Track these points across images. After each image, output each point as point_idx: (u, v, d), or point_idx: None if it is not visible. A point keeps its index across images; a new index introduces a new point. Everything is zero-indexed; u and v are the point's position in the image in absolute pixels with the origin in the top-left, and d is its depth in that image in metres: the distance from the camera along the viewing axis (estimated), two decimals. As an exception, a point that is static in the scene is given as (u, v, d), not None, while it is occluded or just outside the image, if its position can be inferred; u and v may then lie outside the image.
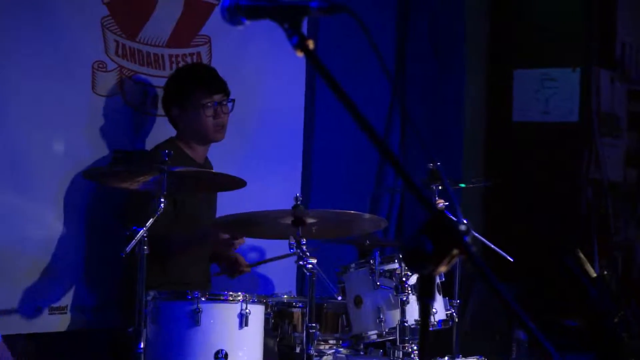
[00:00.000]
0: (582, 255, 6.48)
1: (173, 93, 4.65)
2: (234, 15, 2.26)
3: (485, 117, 7.26)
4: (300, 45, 2.16)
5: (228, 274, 4.88)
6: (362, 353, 4.40)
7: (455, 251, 2.02)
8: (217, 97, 4.63)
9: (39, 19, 4.49)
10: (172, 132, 4.70)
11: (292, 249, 3.90)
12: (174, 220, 4.45)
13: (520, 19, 7.19)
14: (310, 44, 2.17)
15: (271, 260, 4.99)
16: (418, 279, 2.08)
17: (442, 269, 1.99)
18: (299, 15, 2.20)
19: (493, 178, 6.83)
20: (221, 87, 4.65)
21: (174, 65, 4.89)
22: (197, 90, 4.62)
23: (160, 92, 4.78)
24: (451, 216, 4.19)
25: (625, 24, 7.39)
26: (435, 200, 4.44)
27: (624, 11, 7.37)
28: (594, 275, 6.41)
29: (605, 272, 6.63)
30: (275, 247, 4.86)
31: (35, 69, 4.39)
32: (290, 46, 2.14)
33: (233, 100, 4.65)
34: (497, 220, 6.93)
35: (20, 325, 4.35)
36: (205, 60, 5.11)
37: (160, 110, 4.78)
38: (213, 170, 4.35)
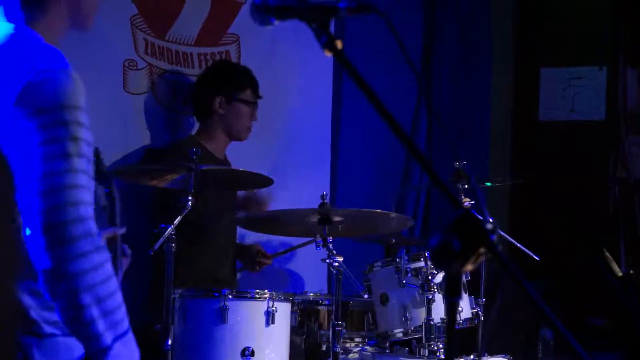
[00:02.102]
0: (608, 255, 6.46)
1: (224, 81, 4.68)
2: (263, 16, 2.28)
3: (512, 115, 7.25)
4: (329, 45, 2.17)
5: (249, 268, 4.89)
6: (387, 351, 4.42)
7: (482, 250, 2.03)
8: (256, 101, 4.70)
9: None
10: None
11: (319, 248, 3.92)
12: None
13: (546, 18, 7.18)
14: (339, 44, 2.18)
15: (292, 249, 4.98)
16: (445, 277, 2.08)
17: (469, 267, 2.00)
18: (327, 16, 2.21)
19: (519, 177, 6.83)
20: (259, 93, 4.73)
21: (203, 64, 4.91)
22: (248, 87, 4.68)
23: (189, 90, 4.81)
24: (478, 215, 4.21)
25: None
26: (462, 199, 4.45)
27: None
28: (620, 274, 6.39)
29: (632, 272, 6.61)
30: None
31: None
32: (318, 46, 2.15)
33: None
34: (523, 219, 6.92)
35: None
36: (234, 59, 5.13)
37: (191, 109, 4.81)
38: (240, 169, 4.36)
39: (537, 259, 4.78)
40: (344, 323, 4.03)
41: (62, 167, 2.36)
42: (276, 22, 2.29)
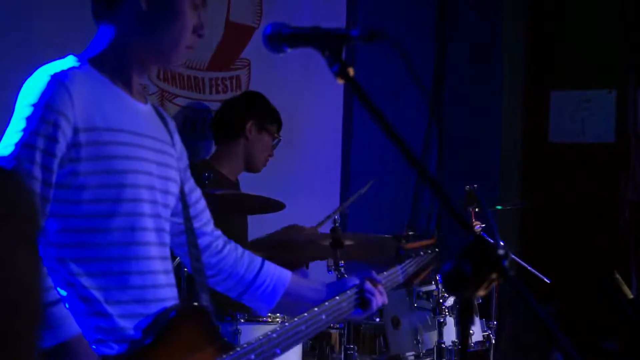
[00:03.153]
0: (619, 277, 6.46)
1: (258, 107, 4.74)
2: (276, 44, 2.30)
3: (522, 138, 7.26)
4: (341, 73, 2.19)
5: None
6: (400, 374, 4.45)
7: (494, 275, 2.04)
8: (279, 138, 4.76)
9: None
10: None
11: (331, 271, 3.94)
12: None
13: (557, 41, 7.19)
14: (351, 72, 2.20)
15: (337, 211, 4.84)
16: (458, 302, 2.10)
17: (481, 292, 2.02)
18: (340, 43, 2.23)
19: (529, 199, 6.84)
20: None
21: (214, 89, 4.94)
22: (276, 122, 4.74)
23: (201, 116, 4.84)
24: (489, 239, 4.22)
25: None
26: (473, 223, 4.46)
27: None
28: (631, 296, 6.39)
29: (644, 294, 6.61)
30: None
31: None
32: (329, 71, 2.17)
33: None
34: (534, 242, 6.91)
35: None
36: (244, 84, 5.14)
37: (199, 134, 4.84)
38: (253, 194, 4.37)
39: (548, 281, 4.79)
40: (355, 346, 4.04)
41: None
42: (289, 50, 2.32)
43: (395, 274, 3.20)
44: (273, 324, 3.93)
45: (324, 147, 5.58)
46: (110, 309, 2.48)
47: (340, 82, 2.20)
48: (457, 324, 4.20)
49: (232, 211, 4.50)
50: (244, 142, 4.71)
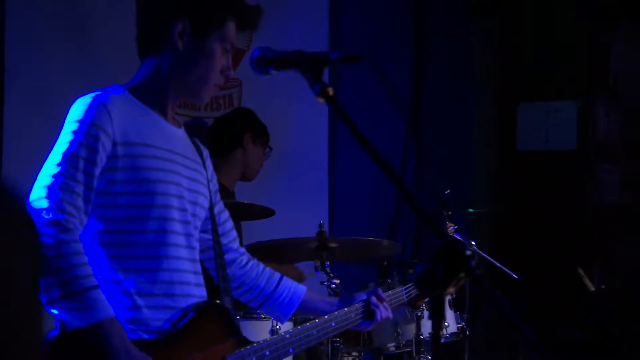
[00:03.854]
0: (582, 272, 6.48)
1: (254, 122, 4.74)
2: (262, 66, 2.31)
3: (492, 147, 7.27)
4: (322, 92, 2.20)
5: None
6: (382, 364, 4.45)
7: (462, 275, 2.06)
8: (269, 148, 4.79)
9: (82, 73, 4.57)
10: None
11: (318, 272, 3.94)
12: None
13: (523, 60, 7.21)
14: (330, 91, 2.21)
15: None
16: (430, 299, 2.11)
17: (451, 290, 2.04)
18: (320, 65, 2.25)
19: (500, 204, 6.85)
20: None
21: (209, 107, 4.94)
22: (267, 135, 4.75)
23: (199, 128, 4.84)
24: (460, 238, 4.24)
25: (619, 57, 7.41)
26: (446, 225, 4.47)
27: (619, 42, 7.39)
28: (593, 289, 6.40)
29: (604, 287, 6.62)
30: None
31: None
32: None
33: None
34: (504, 241, 6.90)
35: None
36: (236, 101, 5.15)
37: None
38: (246, 202, 4.39)
39: (516, 277, 4.79)
40: (341, 339, 4.04)
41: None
42: (274, 72, 2.33)
43: (399, 293, 3.29)
44: (266, 320, 3.95)
45: (310, 158, 5.58)
46: (140, 300, 2.58)
47: (321, 100, 2.21)
48: (430, 318, 4.20)
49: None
50: (241, 153, 4.72)
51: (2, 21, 4.41)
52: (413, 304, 3.72)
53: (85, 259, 2.45)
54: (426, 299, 3.51)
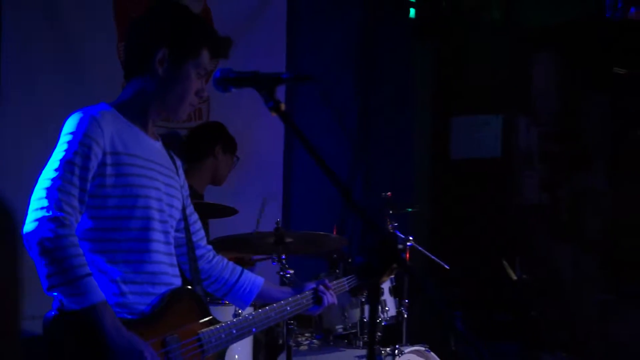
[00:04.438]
0: (506, 263, 6.52)
1: (224, 135, 4.73)
2: (223, 85, 2.34)
3: (430, 155, 7.31)
4: (274, 108, 2.23)
5: None
6: (331, 343, 4.44)
7: (394, 265, 2.08)
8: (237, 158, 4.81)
9: (71, 94, 4.54)
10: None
11: (274, 263, 3.95)
12: None
13: (456, 81, 7.26)
14: (282, 107, 2.23)
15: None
16: (367, 287, 2.14)
17: (385, 279, 2.07)
18: (273, 84, 2.27)
19: (436, 204, 6.88)
20: None
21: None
22: (235, 146, 4.74)
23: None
24: (399, 234, 4.24)
25: (538, 79, 7.48)
26: (387, 222, 4.48)
27: (538, 66, 7.46)
28: (515, 278, 6.44)
29: (525, 277, 6.66)
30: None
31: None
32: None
33: None
34: (440, 237, 6.95)
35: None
36: (204, 114, 5.13)
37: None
38: (213, 202, 4.39)
39: (448, 267, 4.80)
40: (295, 322, 4.05)
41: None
42: (234, 90, 2.35)
43: (342, 283, 3.31)
44: (229, 306, 3.95)
45: (269, 164, 5.57)
46: (125, 288, 2.60)
47: (274, 114, 2.24)
48: (367, 303, 4.21)
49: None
50: (213, 161, 4.70)
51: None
52: (354, 292, 3.79)
53: (81, 251, 2.47)
54: (365, 288, 3.56)
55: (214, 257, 3.07)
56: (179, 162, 2.97)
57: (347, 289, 3.34)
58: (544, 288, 7.31)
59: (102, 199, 2.60)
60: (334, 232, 4.78)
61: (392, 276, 4.31)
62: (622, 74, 7.66)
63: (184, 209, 2.90)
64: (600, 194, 8.05)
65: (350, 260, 4.28)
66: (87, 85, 4.60)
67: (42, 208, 2.46)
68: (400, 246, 2.08)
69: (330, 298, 3.11)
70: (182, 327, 2.68)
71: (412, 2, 6.16)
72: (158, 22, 2.77)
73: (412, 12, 6.27)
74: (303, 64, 5.75)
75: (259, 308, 4.08)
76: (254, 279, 3.10)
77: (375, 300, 2.13)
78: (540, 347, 6.07)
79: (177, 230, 2.87)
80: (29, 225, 2.44)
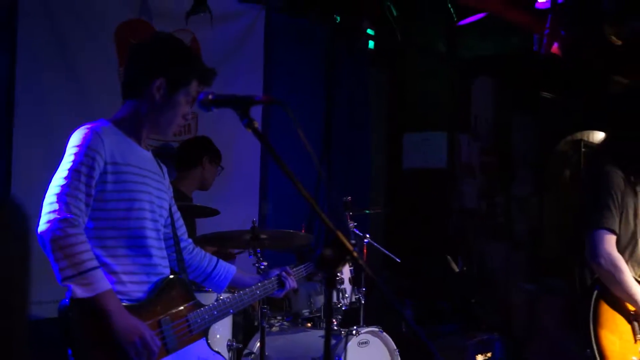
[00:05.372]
0: (449, 258, 6.58)
1: (211, 148, 4.71)
2: (206, 105, 2.37)
3: (385, 166, 7.34)
4: (248, 125, 2.26)
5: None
6: (299, 325, 4.44)
7: (347, 258, 2.12)
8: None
9: (76, 111, 4.55)
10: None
11: (250, 256, 3.95)
12: None
13: (407, 101, 7.31)
14: (255, 124, 2.27)
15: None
16: (324, 276, 2.16)
17: (340, 268, 2.10)
18: (247, 105, 2.30)
19: (390, 207, 6.91)
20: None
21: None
22: (220, 157, 4.73)
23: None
24: (357, 232, 4.24)
25: (477, 102, 7.55)
26: (348, 222, 4.49)
27: (476, 92, 7.53)
28: (457, 271, 6.51)
29: (465, 269, 6.73)
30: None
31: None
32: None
33: None
34: (393, 235, 6.98)
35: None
36: (193, 129, 5.12)
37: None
38: (199, 204, 4.39)
39: (399, 261, 4.83)
40: (268, 307, 4.04)
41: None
42: (215, 110, 2.38)
43: (300, 270, 3.38)
44: (212, 293, 3.95)
45: (247, 172, 5.54)
46: (125, 277, 2.62)
47: (248, 130, 2.27)
48: (325, 291, 4.20)
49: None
50: (200, 170, 4.69)
51: (12, 67, 4.37)
52: (309, 277, 3.95)
53: (89, 246, 2.48)
54: (319, 273, 3.60)
55: (193, 249, 3.09)
56: (164, 169, 2.98)
57: (305, 274, 3.39)
58: (481, 279, 7.38)
59: (103, 203, 2.60)
60: (302, 231, 4.77)
61: (350, 268, 4.35)
62: (547, 98, 7.78)
63: (170, 209, 2.91)
64: (527, 200, 8.17)
65: (313, 253, 4.30)
66: (90, 102, 4.58)
67: (53, 211, 2.47)
68: (352, 242, 2.12)
69: (291, 282, 3.15)
70: (173, 310, 2.70)
71: (371, 35, 6.19)
72: (157, 53, 2.77)
73: (371, 43, 6.30)
74: (278, 87, 5.77)
75: (234, 293, 4.13)
76: (228, 267, 3.13)
77: (331, 285, 2.17)
78: (477, 328, 6.12)
79: (164, 226, 2.88)
80: (42, 226, 2.45)
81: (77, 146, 2.57)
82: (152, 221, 2.73)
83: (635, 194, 3.22)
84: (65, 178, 2.53)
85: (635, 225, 3.19)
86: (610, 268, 3.04)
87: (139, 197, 2.68)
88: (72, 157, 2.56)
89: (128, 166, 2.67)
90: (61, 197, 2.49)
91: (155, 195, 2.77)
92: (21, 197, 3.99)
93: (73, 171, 2.53)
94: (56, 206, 2.47)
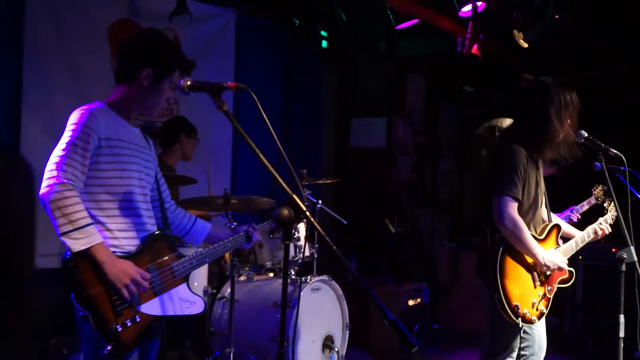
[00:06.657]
0: (387, 220, 6.64)
1: (186, 125, 4.62)
2: (184, 90, 2.35)
3: (335, 144, 7.36)
4: (219, 107, 2.25)
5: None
6: (263, 274, 4.45)
7: (301, 217, 2.14)
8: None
9: (76, 95, 4.45)
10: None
11: (222, 217, 3.94)
12: None
13: (354, 91, 7.32)
14: (224, 106, 2.26)
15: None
16: (282, 231, 2.18)
17: (295, 225, 2.11)
18: (219, 90, 2.29)
19: (340, 178, 6.94)
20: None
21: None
22: (195, 132, 4.65)
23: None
24: (311, 198, 4.22)
25: (411, 93, 7.60)
26: (303, 190, 4.49)
27: (410, 85, 7.57)
28: (393, 231, 6.57)
29: (400, 230, 6.80)
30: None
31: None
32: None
33: None
34: (342, 201, 7.01)
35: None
36: (174, 112, 5.06)
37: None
38: (181, 174, 4.35)
39: (345, 222, 4.86)
40: (237, 259, 4.05)
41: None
42: (192, 94, 2.36)
43: (264, 226, 3.34)
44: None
45: (221, 147, 5.52)
46: (119, 234, 2.59)
47: (220, 112, 2.26)
48: (284, 246, 4.20)
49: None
50: (179, 144, 4.66)
51: (20, 58, 4.27)
52: (272, 233, 3.94)
53: (84, 207, 2.46)
54: (279, 230, 3.60)
55: (175, 209, 3.07)
56: (151, 142, 2.94)
57: (267, 230, 3.39)
58: (412, 238, 7.48)
59: (99, 172, 2.57)
60: (267, 196, 4.76)
61: (306, 227, 4.36)
62: (468, 91, 7.86)
63: (155, 175, 2.89)
64: (450, 174, 8.28)
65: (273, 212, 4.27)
66: (87, 87, 4.52)
67: (53, 177, 2.44)
68: (306, 203, 2.13)
69: (257, 236, 3.12)
70: (159, 260, 2.69)
71: (324, 36, 6.17)
72: (147, 46, 2.74)
73: (324, 43, 6.29)
74: (246, 79, 5.73)
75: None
76: (204, 224, 3.11)
77: (288, 239, 2.19)
78: (409, 278, 6.20)
79: (151, 190, 2.86)
80: (43, 189, 2.43)
81: (75, 124, 2.54)
82: (140, 187, 2.71)
83: (537, 167, 3.29)
84: (64, 150, 2.50)
85: (537, 193, 3.26)
86: (513, 228, 3.10)
87: (128, 167, 2.66)
88: (70, 133, 2.53)
89: (119, 141, 2.64)
90: (60, 165, 2.47)
91: (143, 165, 2.74)
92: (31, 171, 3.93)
93: (70, 144, 2.50)
94: (55, 173, 2.45)
